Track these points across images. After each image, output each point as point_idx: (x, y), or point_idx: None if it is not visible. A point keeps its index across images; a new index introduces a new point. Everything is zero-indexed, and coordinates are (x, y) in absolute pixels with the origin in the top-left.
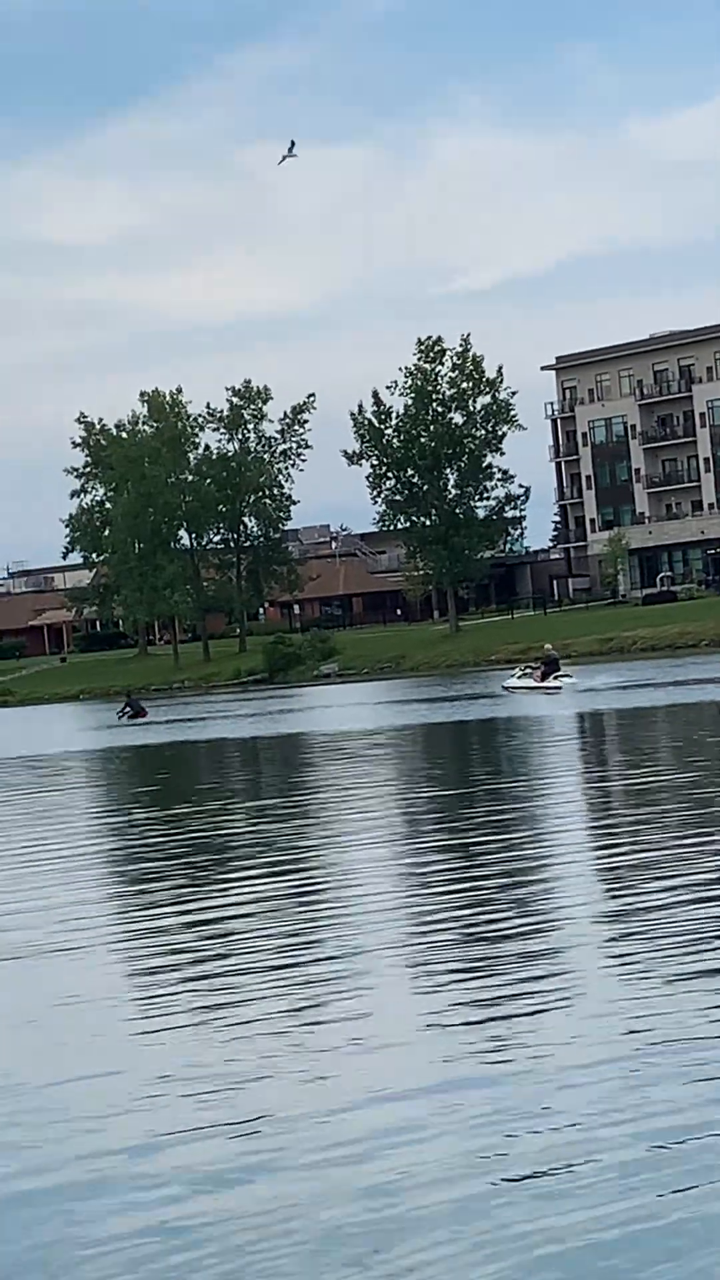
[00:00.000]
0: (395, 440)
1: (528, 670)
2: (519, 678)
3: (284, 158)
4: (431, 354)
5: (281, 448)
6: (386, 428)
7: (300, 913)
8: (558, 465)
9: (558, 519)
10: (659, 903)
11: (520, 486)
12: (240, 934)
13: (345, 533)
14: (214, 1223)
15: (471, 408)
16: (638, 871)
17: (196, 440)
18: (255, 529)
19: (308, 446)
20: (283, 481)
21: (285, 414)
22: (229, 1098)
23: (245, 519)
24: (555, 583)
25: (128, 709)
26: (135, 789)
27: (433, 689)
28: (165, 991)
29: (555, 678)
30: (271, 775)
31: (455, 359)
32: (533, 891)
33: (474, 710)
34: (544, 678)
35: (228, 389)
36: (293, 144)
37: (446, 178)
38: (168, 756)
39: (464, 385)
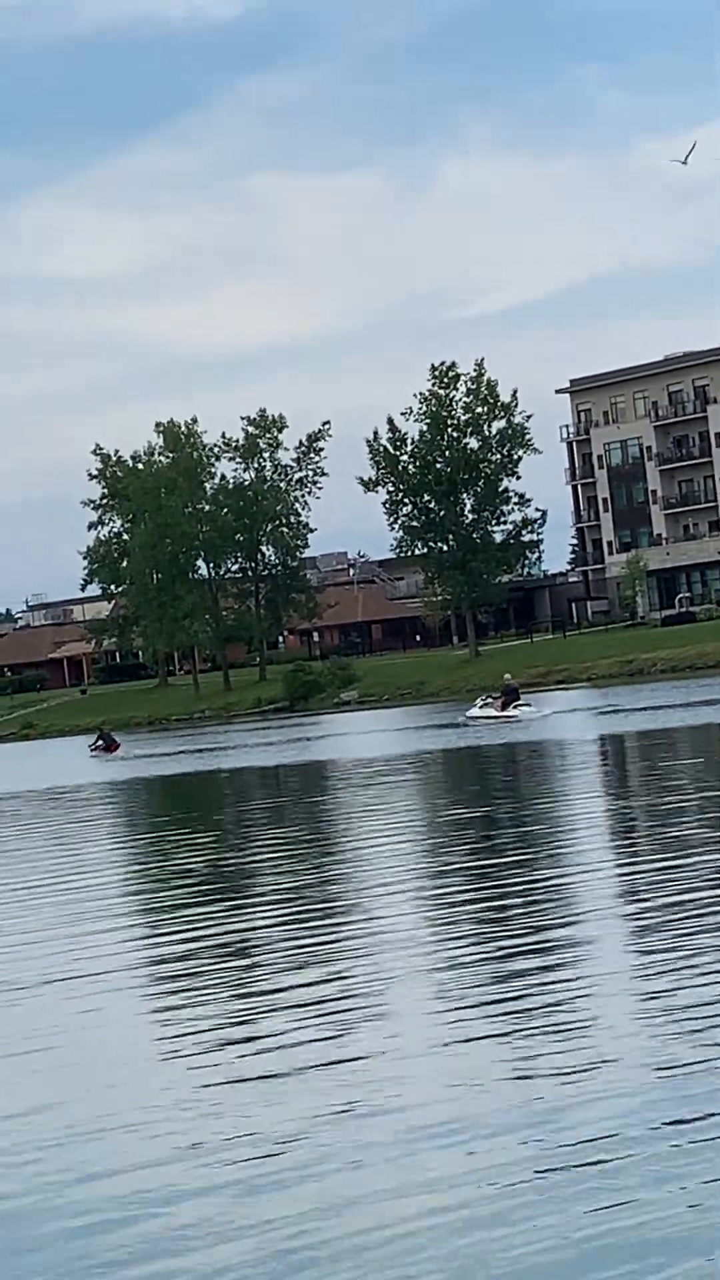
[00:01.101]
0: (411, 466)
1: (489, 700)
2: (480, 707)
3: (686, 155)
4: (445, 379)
5: (297, 476)
6: (402, 454)
7: (322, 932)
8: (574, 488)
9: (575, 542)
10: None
11: (537, 510)
12: (262, 956)
13: (363, 559)
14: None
15: (487, 432)
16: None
17: (213, 470)
18: (273, 557)
19: (324, 474)
20: (299, 509)
21: (301, 442)
22: (253, 1117)
23: (263, 547)
24: (574, 605)
25: (100, 742)
26: (160, 818)
27: (446, 714)
28: (193, 1012)
29: (514, 707)
30: (294, 801)
31: (469, 384)
32: (546, 908)
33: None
34: (504, 707)
35: (243, 418)
36: (694, 144)
37: (456, 203)
38: (191, 786)
39: (479, 410)
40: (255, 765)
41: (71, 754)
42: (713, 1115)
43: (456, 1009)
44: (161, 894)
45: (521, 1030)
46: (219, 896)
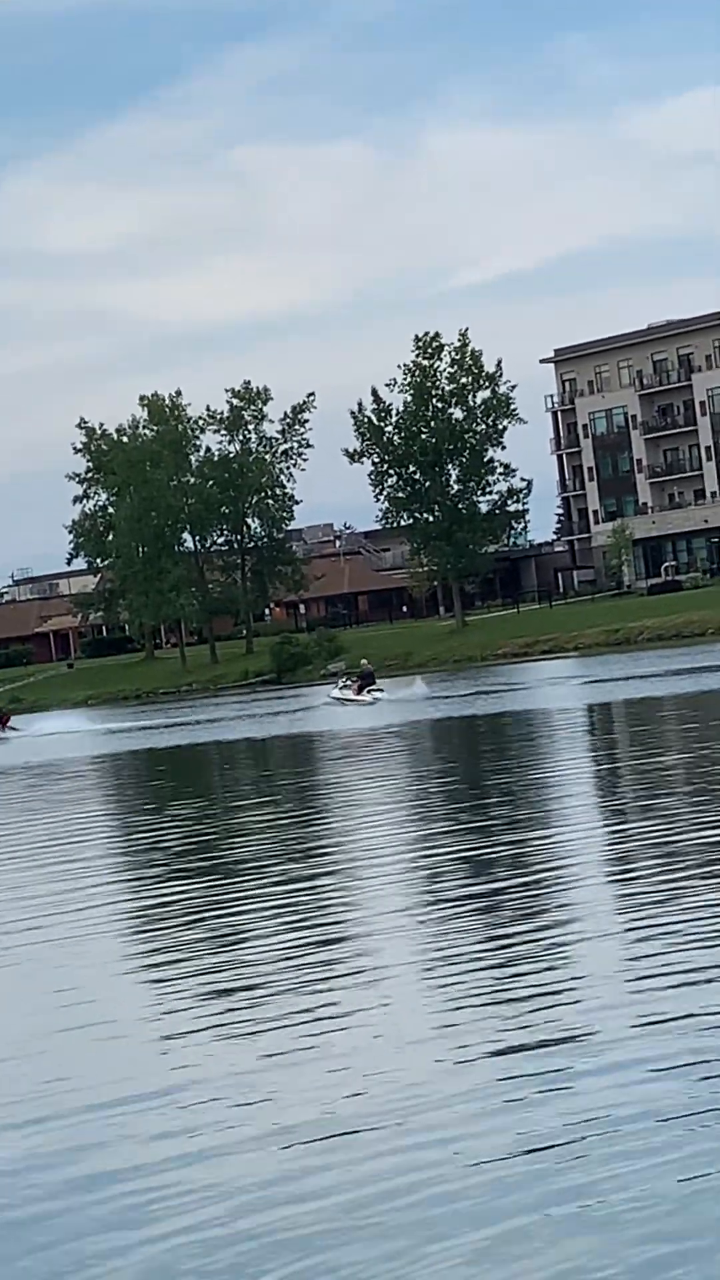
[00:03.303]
0: (396, 437)
1: (346, 684)
2: (340, 689)
3: None
4: (430, 350)
5: (283, 448)
6: (387, 425)
7: (317, 907)
8: (559, 458)
9: (560, 511)
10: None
11: (522, 480)
12: (255, 935)
13: (349, 531)
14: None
15: (471, 402)
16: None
17: (198, 443)
18: (259, 530)
19: (309, 446)
20: (285, 481)
21: (285, 414)
22: (252, 1100)
23: (248, 520)
24: (560, 575)
25: None
26: (150, 792)
27: (439, 685)
28: (190, 1001)
29: (369, 691)
30: (285, 774)
31: (454, 354)
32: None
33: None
34: (359, 691)
35: (227, 390)
36: None
37: (441, 174)
38: (181, 759)
39: (463, 380)
40: (233, 739)
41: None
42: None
43: (452, 993)
44: (145, 864)
45: (511, 993)
46: (207, 864)
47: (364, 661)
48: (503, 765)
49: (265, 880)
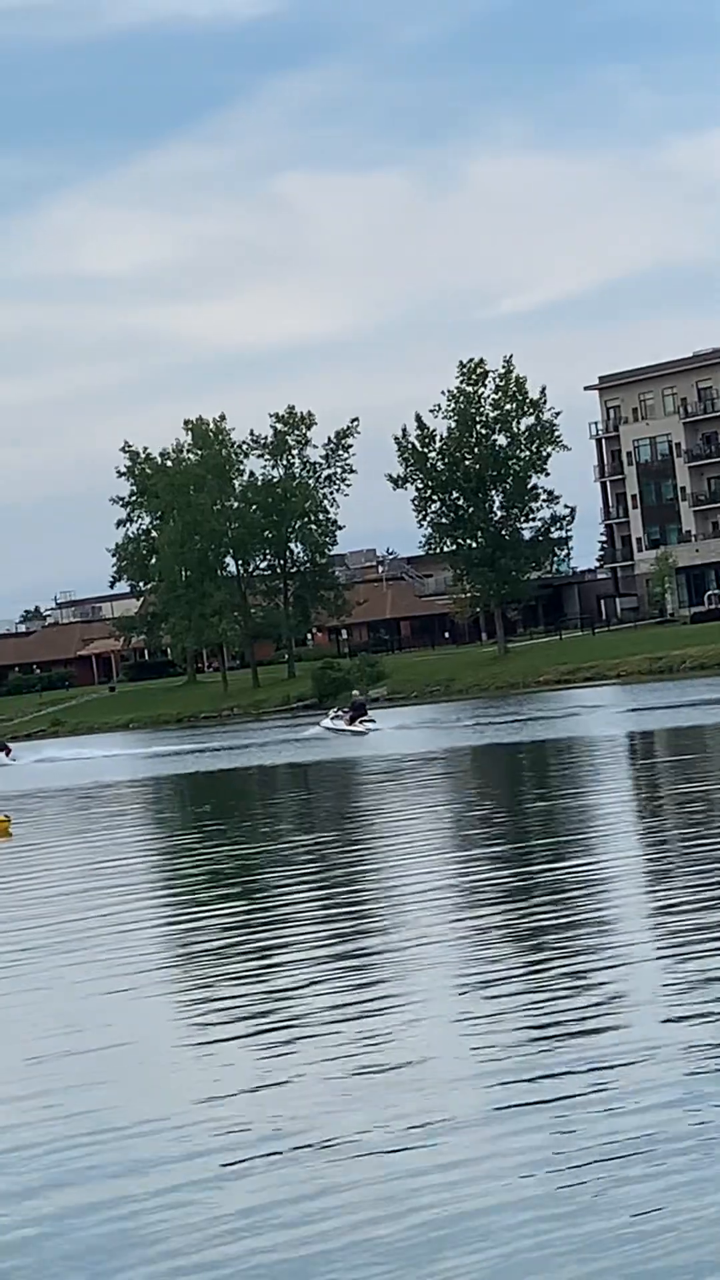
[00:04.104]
0: (439, 463)
1: (339, 714)
2: (332, 719)
3: None
4: (474, 376)
5: (326, 473)
6: (430, 451)
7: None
8: (603, 485)
9: (604, 539)
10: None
11: (566, 507)
12: (294, 949)
13: (392, 556)
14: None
15: (515, 429)
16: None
17: (241, 467)
18: (301, 554)
19: (352, 471)
20: (328, 506)
21: (329, 439)
22: (284, 1117)
23: (291, 544)
24: (603, 602)
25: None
26: (194, 816)
27: (483, 712)
28: (229, 1027)
29: (361, 722)
30: (325, 800)
31: (498, 381)
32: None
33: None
34: (352, 721)
35: (271, 415)
36: None
37: (485, 202)
38: (225, 782)
39: (507, 407)
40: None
41: (105, 749)
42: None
43: (489, 1015)
44: (192, 884)
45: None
46: (249, 886)
47: (355, 693)
48: (542, 792)
49: (303, 904)
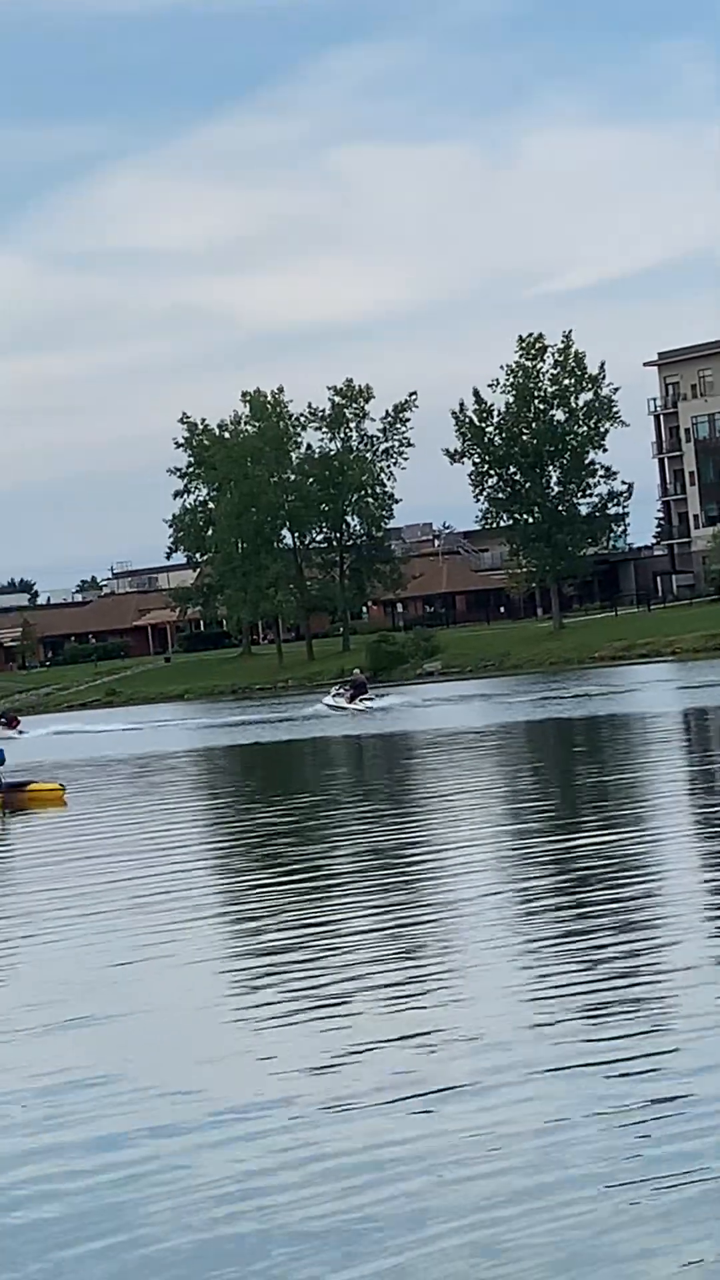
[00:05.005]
0: (497, 438)
1: (340, 692)
2: (333, 697)
3: None
4: (533, 351)
5: (383, 446)
6: (488, 425)
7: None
8: (660, 461)
9: (661, 515)
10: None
11: (623, 483)
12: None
13: (448, 531)
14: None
15: (573, 404)
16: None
17: (298, 440)
18: (358, 528)
19: (410, 445)
20: (385, 480)
21: (387, 413)
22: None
23: (348, 518)
24: (659, 579)
25: (3, 716)
26: (245, 786)
27: (533, 688)
28: (278, 996)
29: (360, 700)
30: (377, 774)
31: (557, 356)
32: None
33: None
34: (352, 699)
35: (329, 388)
36: None
37: (544, 176)
38: (278, 755)
39: (566, 382)
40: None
41: (162, 718)
42: None
43: (540, 990)
44: (244, 853)
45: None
46: (303, 860)
47: (356, 671)
48: (596, 767)
49: (356, 876)
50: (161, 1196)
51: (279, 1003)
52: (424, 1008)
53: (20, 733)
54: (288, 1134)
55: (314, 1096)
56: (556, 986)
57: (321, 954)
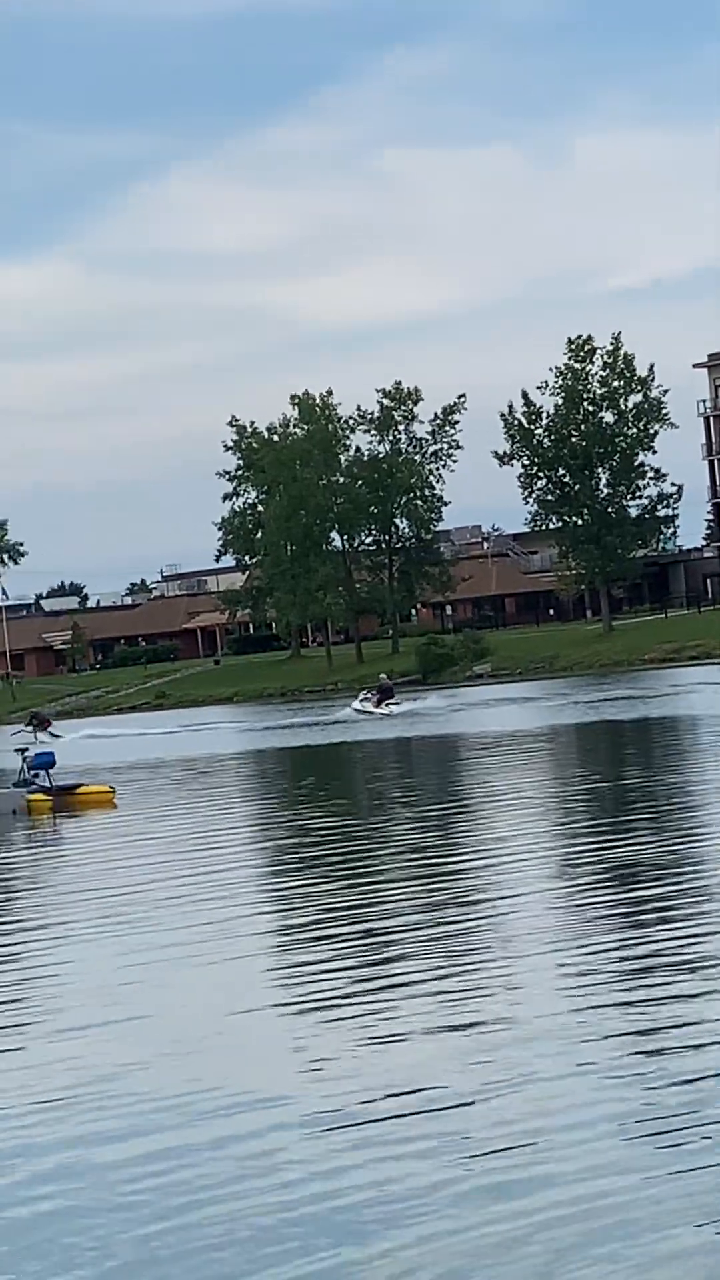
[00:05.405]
0: (546, 440)
1: (367, 697)
2: (361, 701)
3: None
4: (582, 353)
5: (432, 449)
6: (537, 427)
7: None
8: (711, 463)
9: (711, 517)
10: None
11: (673, 485)
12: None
13: (497, 533)
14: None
15: (623, 406)
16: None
17: (347, 442)
18: (407, 530)
19: (459, 447)
20: (434, 482)
21: (436, 415)
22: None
23: (397, 520)
24: (709, 581)
25: (35, 719)
26: (294, 788)
27: (583, 690)
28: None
29: (386, 704)
30: (428, 775)
31: (606, 358)
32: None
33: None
34: (379, 704)
35: (378, 390)
36: None
37: (594, 178)
38: (333, 757)
39: (615, 384)
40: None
41: (213, 721)
42: None
43: (588, 991)
44: (293, 853)
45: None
46: (351, 858)
47: (383, 676)
48: (647, 769)
49: (406, 875)
50: (201, 1188)
51: (326, 1003)
52: (470, 1007)
53: (55, 735)
54: (333, 1131)
55: (357, 1093)
56: (604, 985)
57: (367, 952)
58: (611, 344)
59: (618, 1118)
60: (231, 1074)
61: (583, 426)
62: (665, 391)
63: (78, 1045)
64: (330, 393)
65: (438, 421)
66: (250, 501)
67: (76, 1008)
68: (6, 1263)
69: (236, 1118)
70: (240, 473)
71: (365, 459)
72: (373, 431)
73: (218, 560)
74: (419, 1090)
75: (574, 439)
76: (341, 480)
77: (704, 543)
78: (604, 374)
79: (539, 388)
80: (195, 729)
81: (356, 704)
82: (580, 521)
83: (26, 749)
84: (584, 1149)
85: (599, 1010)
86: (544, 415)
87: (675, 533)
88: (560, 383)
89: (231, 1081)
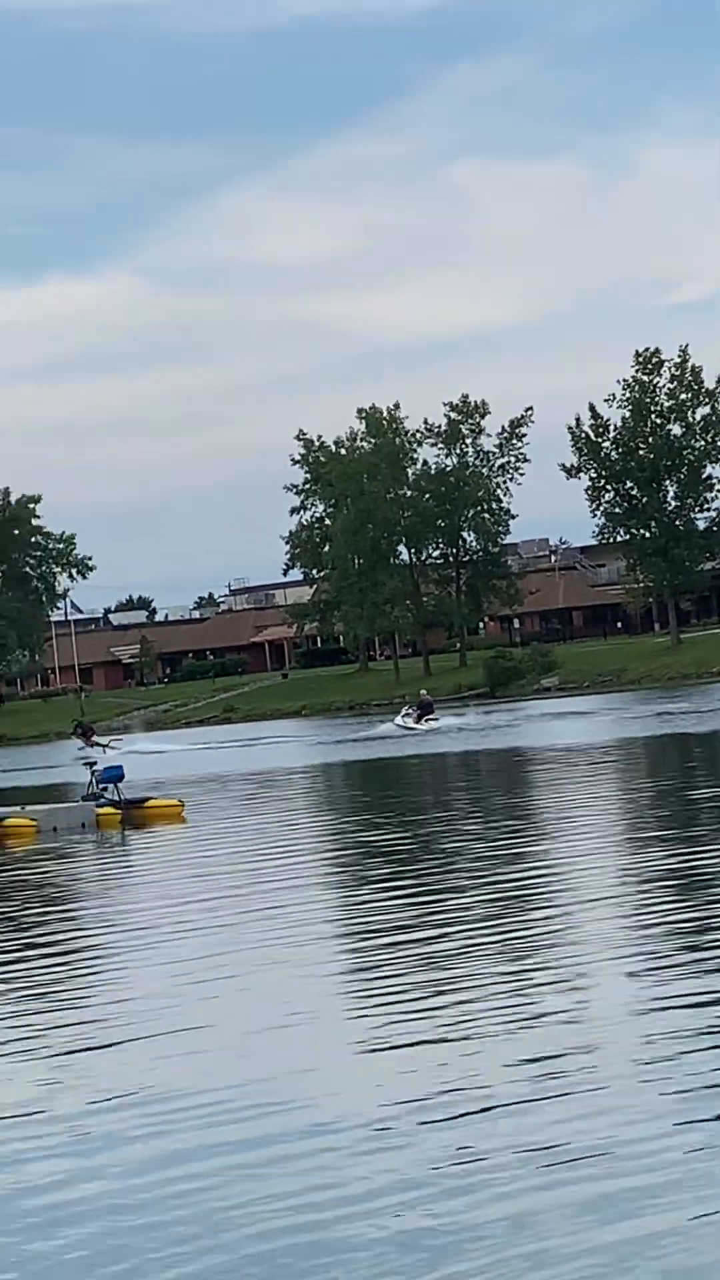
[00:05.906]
0: (613, 453)
1: (408, 713)
2: (403, 717)
3: None
4: (649, 366)
5: (500, 462)
6: (604, 440)
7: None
8: None
9: None
10: None
11: None
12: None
13: (564, 546)
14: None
15: (690, 419)
16: None
17: (415, 455)
18: (474, 543)
19: (526, 460)
20: (501, 495)
21: (503, 428)
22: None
23: (464, 533)
24: None
25: (78, 728)
26: (358, 801)
27: (652, 703)
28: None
29: (426, 720)
30: (500, 788)
31: (674, 370)
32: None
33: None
34: (419, 720)
35: (445, 404)
36: None
37: (658, 189)
38: (397, 770)
39: (682, 396)
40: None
41: (279, 735)
42: None
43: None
44: (360, 866)
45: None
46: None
47: (423, 692)
48: (714, 783)
49: (472, 888)
50: (257, 1201)
51: (391, 1015)
52: (537, 1022)
53: (104, 748)
54: (395, 1142)
55: (425, 1102)
56: (673, 997)
57: (432, 966)
58: (679, 356)
59: (693, 1126)
60: (300, 1086)
61: (650, 439)
62: None
63: (147, 1054)
64: (397, 406)
65: (505, 434)
66: (318, 515)
67: (146, 1017)
68: (93, 1263)
69: (298, 1127)
70: (308, 486)
71: (432, 472)
72: (440, 445)
73: (285, 574)
74: (489, 1107)
75: (641, 451)
76: (409, 494)
77: None
78: (672, 386)
79: (606, 400)
80: (253, 743)
81: (399, 719)
82: (648, 534)
83: (95, 762)
84: (658, 1160)
85: (672, 1021)
86: (611, 428)
87: None
88: (628, 395)
89: (300, 1093)
